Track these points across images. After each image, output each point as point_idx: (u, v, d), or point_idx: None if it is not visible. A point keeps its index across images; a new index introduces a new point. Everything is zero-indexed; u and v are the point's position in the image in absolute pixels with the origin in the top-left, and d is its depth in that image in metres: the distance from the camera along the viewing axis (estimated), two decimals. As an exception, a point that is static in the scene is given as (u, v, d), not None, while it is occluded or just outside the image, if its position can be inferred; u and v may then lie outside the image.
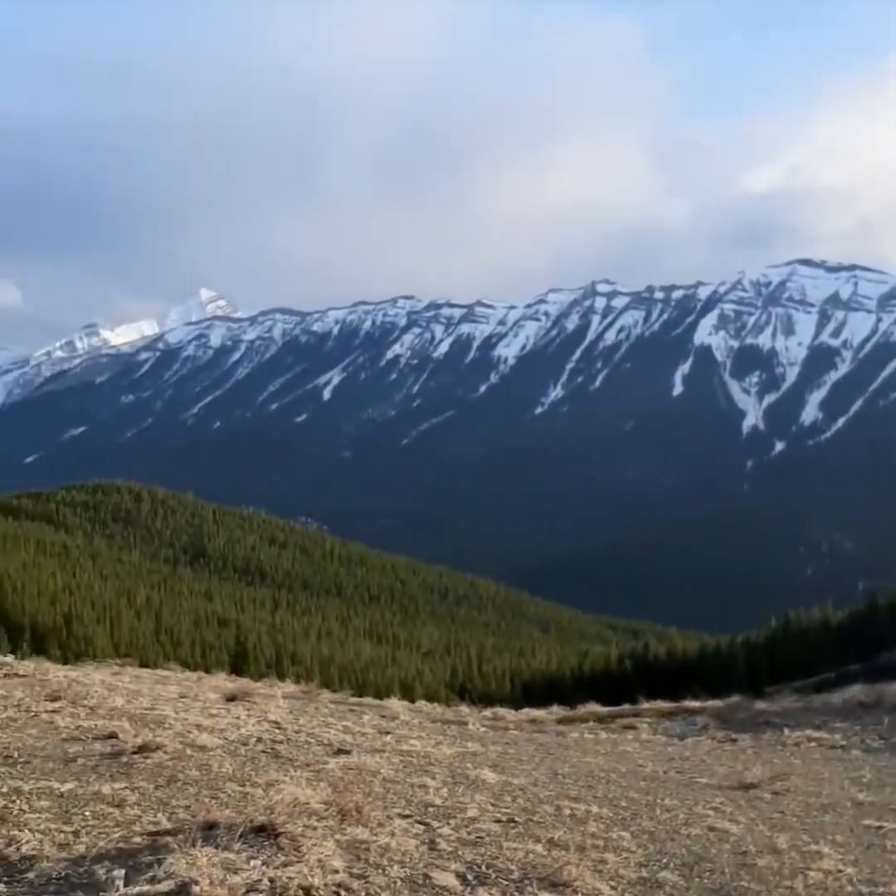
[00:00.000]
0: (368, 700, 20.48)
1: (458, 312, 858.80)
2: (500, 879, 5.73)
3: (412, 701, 25.50)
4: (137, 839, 5.85)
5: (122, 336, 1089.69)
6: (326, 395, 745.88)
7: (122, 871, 5.14)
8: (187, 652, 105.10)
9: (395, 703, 18.37)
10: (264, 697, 14.48)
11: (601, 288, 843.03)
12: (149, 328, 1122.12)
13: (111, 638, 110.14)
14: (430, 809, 7.41)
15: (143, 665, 43.54)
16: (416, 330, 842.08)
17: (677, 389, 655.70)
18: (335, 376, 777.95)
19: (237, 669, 61.96)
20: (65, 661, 39.83)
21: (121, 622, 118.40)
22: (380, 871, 5.53)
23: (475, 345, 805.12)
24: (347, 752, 9.37)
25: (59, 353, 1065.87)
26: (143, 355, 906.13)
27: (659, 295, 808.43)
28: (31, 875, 5.22)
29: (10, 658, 44.82)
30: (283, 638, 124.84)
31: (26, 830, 5.89)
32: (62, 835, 5.91)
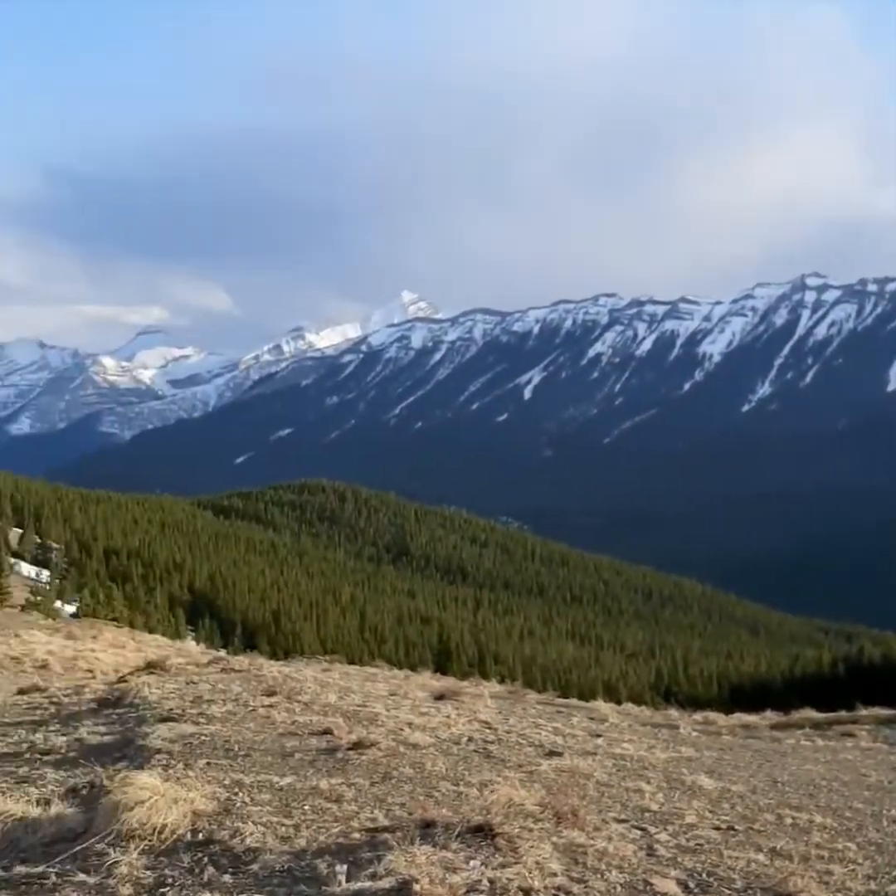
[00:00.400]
0: (574, 701, 20.35)
1: (661, 309, 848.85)
2: (722, 888, 5.55)
3: (618, 703, 25.24)
4: (356, 835, 5.88)
5: (326, 339, 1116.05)
6: (527, 394, 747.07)
7: (344, 867, 5.17)
8: (391, 649, 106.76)
9: (604, 706, 18.18)
10: (472, 697, 14.53)
11: (811, 281, 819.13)
12: (352, 331, 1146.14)
13: (318, 634, 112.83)
14: (647, 814, 7.25)
15: (350, 662, 44.37)
16: (619, 327, 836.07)
17: (892, 385, 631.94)
18: (536, 375, 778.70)
19: (440, 668, 62.55)
20: (274, 656, 41.03)
21: (327, 619, 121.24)
22: (598, 875, 5.41)
23: (679, 342, 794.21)
24: (559, 755, 9.28)
25: (267, 357, 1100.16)
26: (347, 357, 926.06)
27: (872, 287, 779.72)
28: (255, 867, 5.31)
29: (222, 652, 46.39)
30: (485, 637, 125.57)
31: (249, 823, 6.00)
32: (283, 828, 6.00)
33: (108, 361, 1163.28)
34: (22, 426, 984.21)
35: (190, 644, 63.44)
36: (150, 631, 68.64)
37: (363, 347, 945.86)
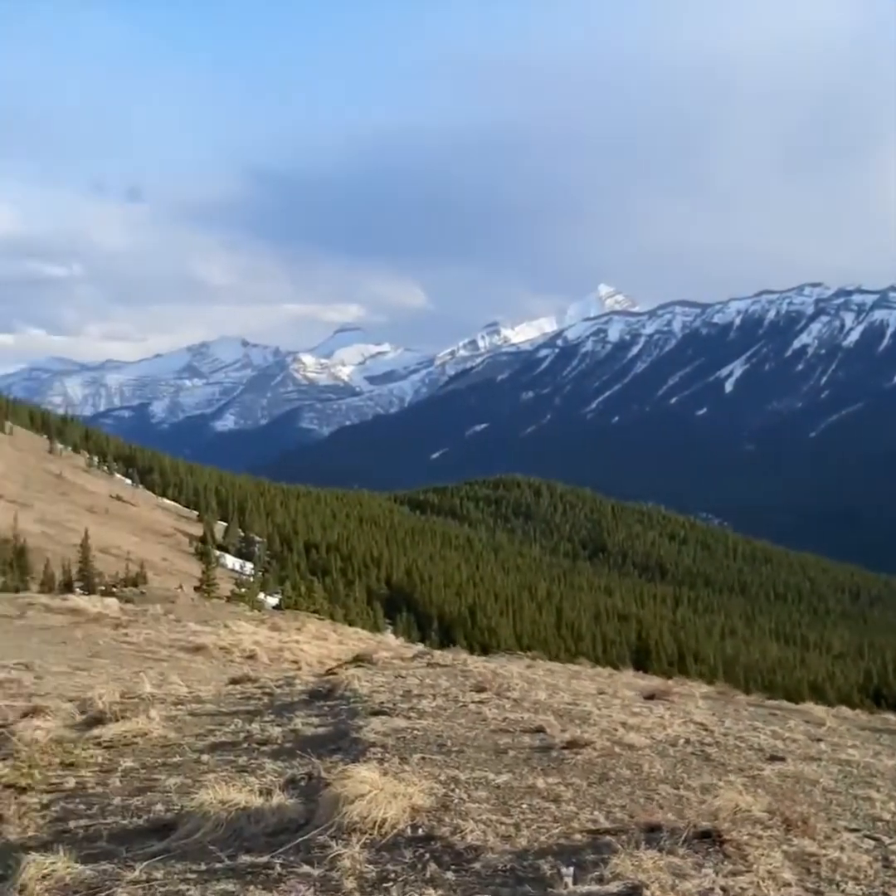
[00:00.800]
0: (786, 704, 19.74)
1: (870, 299, 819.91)
2: (968, 905, 5.21)
3: (829, 706, 24.43)
4: (577, 836, 5.74)
5: (521, 334, 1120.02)
6: (728, 387, 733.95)
7: (571, 869, 5.04)
8: (588, 646, 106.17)
9: (817, 708, 17.55)
10: (682, 697, 14.20)
11: None
12: (548, 325, 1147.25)
13: (514, 630, 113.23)
14: (879, 824, 6.88)
15: (550, 659, 44.25)
16: (825, 318, 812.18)
17: None
18: (737, 368, 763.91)
19: (639, 666, 61.82)
20: (470, 651, 41.21)
21: (523, 615, 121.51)
22: (834, 886, 5.14)
23: (889, 332, 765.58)
24: (782, 759, 8.93)
25: (462, 352, 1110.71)
26: (543, 352, 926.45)
27: None
28: (477, 865, 5.23)
29: (421, 646, 46.84)
30: (684, 635, 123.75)
31: (469, 820, 5.93)
32: (503, 827, 5.90)
33: (308, 359, 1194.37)
34: (226, 423, 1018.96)
35: (389, 637, 64.31)
36: (350, 624, 69.86)
37: (559, 341, 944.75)
